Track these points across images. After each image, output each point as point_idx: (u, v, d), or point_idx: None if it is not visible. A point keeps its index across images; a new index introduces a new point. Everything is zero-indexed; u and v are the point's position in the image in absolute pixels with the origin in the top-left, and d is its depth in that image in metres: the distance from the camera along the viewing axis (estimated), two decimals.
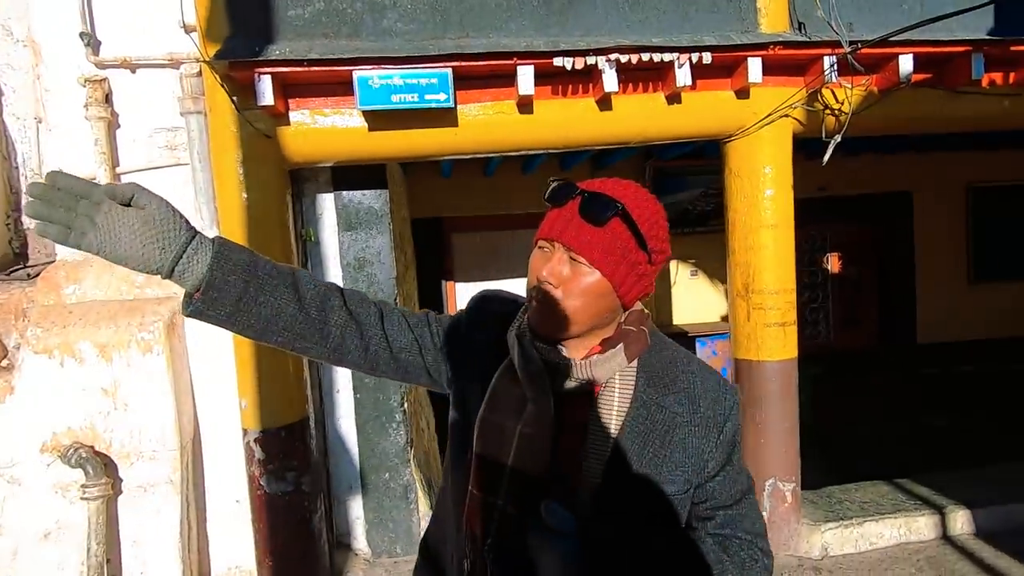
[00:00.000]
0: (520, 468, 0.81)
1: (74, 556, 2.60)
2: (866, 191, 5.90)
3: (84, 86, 2.78)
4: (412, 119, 2.67)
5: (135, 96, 2.88)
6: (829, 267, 6.32)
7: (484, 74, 2.68)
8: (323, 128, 2.69)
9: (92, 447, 2.64)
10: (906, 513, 3.14)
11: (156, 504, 2.71)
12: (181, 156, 2.90)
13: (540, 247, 0.84)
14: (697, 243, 5.46)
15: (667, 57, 2.61)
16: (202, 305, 0.79)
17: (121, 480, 2.70)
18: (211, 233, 2.60)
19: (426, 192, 5.03)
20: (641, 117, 2.88)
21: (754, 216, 2.96)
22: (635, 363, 0.85)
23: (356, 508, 3.19)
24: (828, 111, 2.91)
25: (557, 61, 2.57)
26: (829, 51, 2.73)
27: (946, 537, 3.14)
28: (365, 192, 3.09)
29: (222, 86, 2.50)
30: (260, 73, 2.43)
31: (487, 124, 2.78)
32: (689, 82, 2.66)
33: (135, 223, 0.73)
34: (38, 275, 2.91)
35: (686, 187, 5.50)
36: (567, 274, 0.80)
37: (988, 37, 2.88)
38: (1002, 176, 6.03)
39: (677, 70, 2.64)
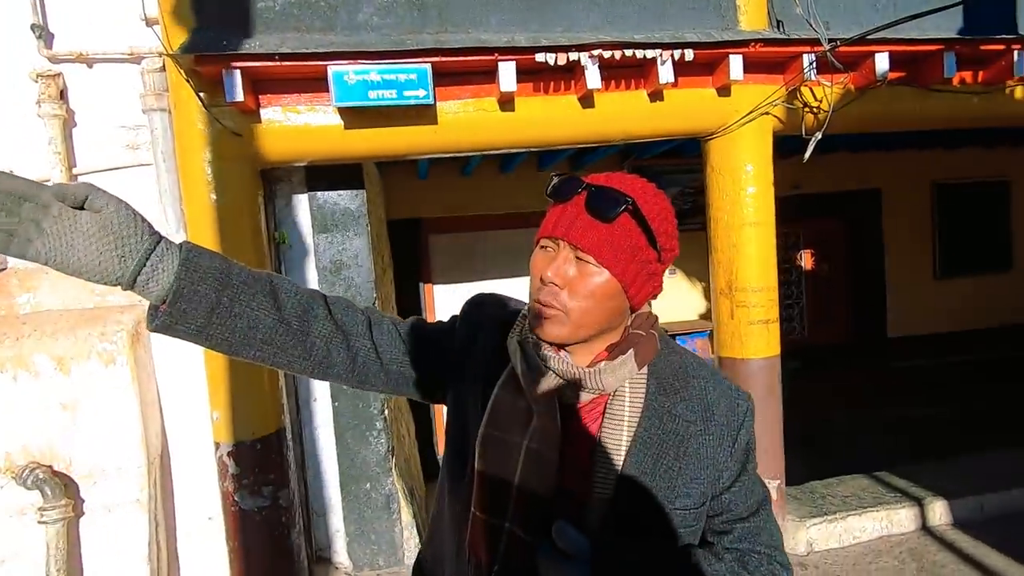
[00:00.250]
0: (527, 486, 0.75)
1: None
2: (838, 189, 6.03)
3: (36, 81, 2.61)
4: (390, 116, 2.59)
5: (93, 93, 2.72)
6: (803, 264, 6.44)
7: (464, 70, 2.61)
8: (297, 126, 2.59)
9: (50, 467, 2.48)
10: (887, 506, 3.19)
11: (122, 525, 2.56)
12: (144, 156, 2.75)
13: (542, 246, 0.78)
14: None
15: (650, 54, 2.59)
16: (169, 319, 0.69)
17: (83, 501, 2.54)
18: (178, 238, 2.46)
19: (402, 192, 4.93)
20: (624, 115, 2.85)
21: (736, 214, 2.96)
22: (645, 370, 0.80)
23: (336, 521, 3.08)
24: (807, 109, 2.93)
25: (539, 57, 2.52)
26: (808, 49, 2.75)
27: (925, 528, 3.20)
28: (341, 192, 2.99)
29: (188, 81, 2.38)
30: (229, 68, 2.32)
31: (468, 122, 2.71)
32: (672, 79, 2.65)
33: (90, 228, 0.63)
34: None
35: (664, 186, 5.50)
36: (573, 274, 0.74)
37: (959, 36, 2.94)
38: (965, 173, 6.24)
39: (660, 67, 2.62)
